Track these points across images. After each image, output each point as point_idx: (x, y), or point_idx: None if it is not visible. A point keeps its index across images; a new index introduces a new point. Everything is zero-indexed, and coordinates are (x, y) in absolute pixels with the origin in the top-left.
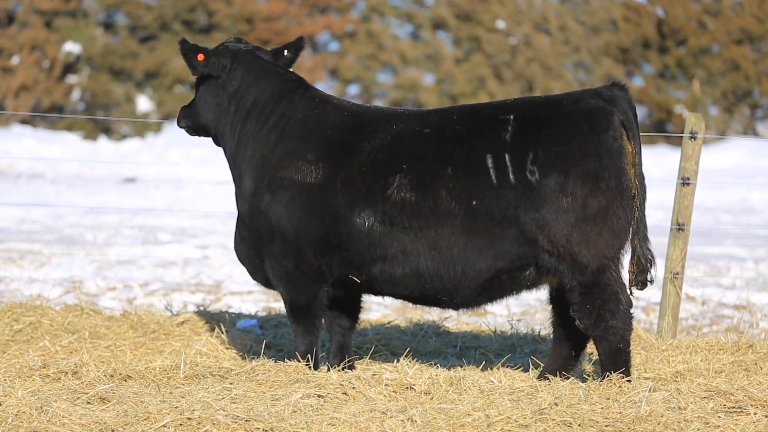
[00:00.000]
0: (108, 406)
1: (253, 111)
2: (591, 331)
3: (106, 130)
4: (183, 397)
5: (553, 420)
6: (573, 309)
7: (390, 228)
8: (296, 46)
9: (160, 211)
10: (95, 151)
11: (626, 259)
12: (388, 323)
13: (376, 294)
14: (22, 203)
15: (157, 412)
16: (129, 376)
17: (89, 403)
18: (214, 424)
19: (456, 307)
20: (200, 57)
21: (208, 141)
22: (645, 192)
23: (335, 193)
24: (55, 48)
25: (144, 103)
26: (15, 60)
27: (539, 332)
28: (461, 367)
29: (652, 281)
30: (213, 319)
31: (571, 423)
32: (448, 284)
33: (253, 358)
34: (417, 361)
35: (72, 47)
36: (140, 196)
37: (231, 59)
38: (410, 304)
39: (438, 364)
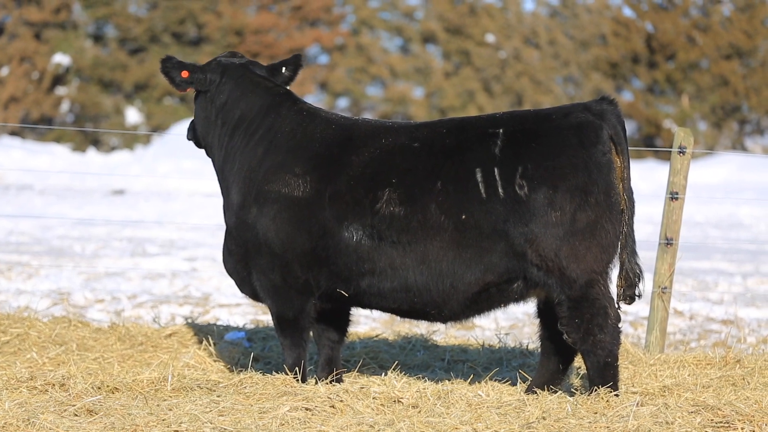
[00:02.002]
0: (95, 419)
1: (241, 125)
2: (579, 345)
3: (95, 141)
4: (170, 410)
5: None
6: (561, 323)
7: (378, 242)
8: (294, 63)
9: (149, 223)
10: (84, 163)
11: (614, 274)
12: (376, 336)
13: (364, 307)
14: (11, 214)
15: (144, 425)
16: (116, 389)
17: (76, 415)
18: None
19: (444, 320)
20: (184, 74)
21: (198, 153)
22: (633, 206)
23: (323, 206)
24: (45, 59)
25: (133, 115)
26: (4, 71)
27: (527, 346)
28: (449, 380)
29: (640, 296)
30: (201, 331)
31: None
32: (436, 298)
33: (241, 371)
34: (405, 374)
35: (61, 59)
36: (129, 208)
37: (220, 74)
38: (398, 318)
39: (426, 378)
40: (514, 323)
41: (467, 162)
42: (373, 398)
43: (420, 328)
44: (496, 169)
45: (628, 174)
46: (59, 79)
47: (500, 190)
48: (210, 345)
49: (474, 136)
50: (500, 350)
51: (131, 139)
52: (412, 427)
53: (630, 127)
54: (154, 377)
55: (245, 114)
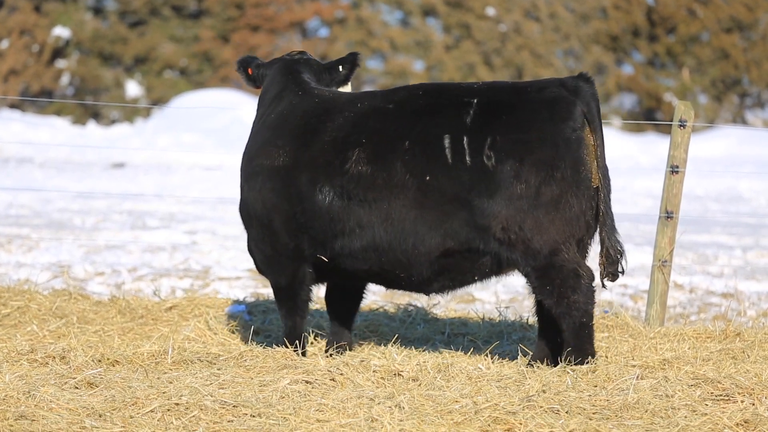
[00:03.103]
0: (95, 391)
1: (263, 112)
2: (555, 309)
3: (95, 115)
4: (171, 383)
5: (541, 407)
6: (534, 292)
7: (348, 202)
8: (351, 62)
9: (149, 196)
10: (84, 136)
11: (596, 251)
12: (377, 309)
13: (344, 276)
14: (10, 187)
15: (144, 398)
16: (117, 361)
17: (77, 387)
18: (201, 409)
19: (418, 288)
20: (250, 71)
21: (198, 126)
22: (609, 184)
23: (299, 172)
24: (45, 32)
25: (133, 88)
26: (4, 44)
27: (527, 319)
28: (449, 353)
29: (623, 272)
30: (201, 304)
31: (558, 410)
32: (401, 257)
33: (241, 344)
34: (405, 347)
35: (61, 32)
36: (129, 181)
37: (269, 68)
38: (398, 291)
39: (426, 351)
40: (515, 296)
41: (437, 126)
42: (374, 371)
43: (420, 301)
44: (465, 138)
45: (602, 152)
46: (59, 52)
47: (467, 158)
48: (210, 318)
49: (448, 102)
50: (500, 323)
51: (131, 112)
52: (412, 400)
53: (630, 100)
54: (154, 350)
55: (265, 101)
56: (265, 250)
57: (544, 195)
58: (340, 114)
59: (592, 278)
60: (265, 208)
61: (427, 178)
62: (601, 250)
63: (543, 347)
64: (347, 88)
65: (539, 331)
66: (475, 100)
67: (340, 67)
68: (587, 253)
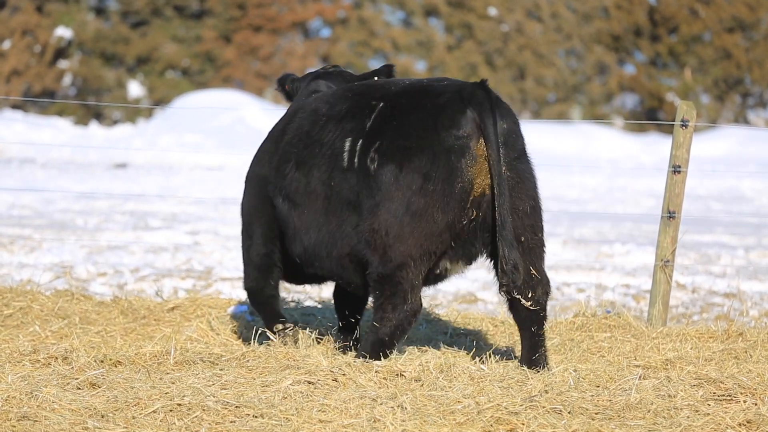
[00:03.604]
0: (98, 392)
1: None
2: (373, 316)
3: (98, 115)
4: (173, 383)
5: (543, 407)
6: (370, 291)
7: (288, 206)
8: (386, 74)
9: (151, 196)
10: (86, 137)
11: (492, 263)
12: None
13: (300, 280)
14: (13, 188)
15: (147, 398)
16: (119, 362)
17: (79, 388)
18: (204, 410)
19: (359, 291)
20: (287, 87)
21: (200, 127)
22: (505, 195)
23: (270, 178)
24: (47, 33)
25: (135, 89)
26: (6, 45)
27: None
28: (452, 353)
29: (515, 286)
30: (204, 305)
31: (561, 410)
32: (328, 265)
33: (244, 345)
34: (407, 347)
35: (64, 32)
36: (131, 181)
37: (301, 82)
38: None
39: (428, 351)
40: None
41: (344, 131)
42: (376, 372)
43: (422, 301)
44: (360, 142)
45: (498, 161)
46: (61, 52)
47: (356, 161)
48: (212, 319)
49: (360, 105)
50: (503, 323)
51: (133, 113)
52: (414, 400)
53: (632, 100)
54: (156, 351)
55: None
56: (244, 251)
57: (413, 205)
58: (299, 116)
59: (415, 312)
60: (249, 213)
61: (332, 184)
62: (497, 263)
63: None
64: None
65: (519, 332)
66: (381, 104)
67: (375, 78)
68: (472, 263)
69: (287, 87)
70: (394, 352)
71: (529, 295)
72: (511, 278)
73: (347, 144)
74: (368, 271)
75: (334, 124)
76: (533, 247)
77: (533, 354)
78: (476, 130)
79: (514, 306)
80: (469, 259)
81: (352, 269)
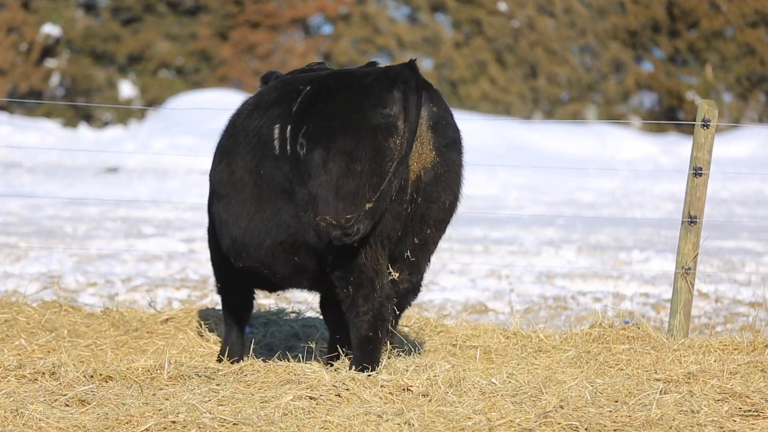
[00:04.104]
0: (87, 409)
1: None
2: (349, 320)
3: (87, 117)
4: (167, 399)
5: (559, 424)
6: (336, 290)
7: (214, 199)
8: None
9: (144, 202)
10: (75, 139)
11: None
12: None
13: (243, 280)
14: None
15: (139, 415)
16: (110, 377)
17: (68, 405)
18: (200, 427)
19: (290, 286)
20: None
21: (195, 129)
22: (401, 175)
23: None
24: (33, 30)
25: (127, 89)
26: None
27: (543, 330)
28: (461, 367)
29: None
30: (199, 316)
31: (577, 427)
32: (257, 256)
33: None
34: (414, 360)
35: (51, 29)
36: (123, 186)
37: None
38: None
39: (437, 365)
40: (529, 306)
41: (271, 117)
42: (381, 386)
43: (430, 312)
44: (288, 126)
45: (411, 136)
46: (49, 50)
47: (288, 147)
48: (208, 331)
49: (289, 91)
50: (515, 335)
51: (125, 114)
52: (422, 416)
53: (650, 99)
54: (149, 365)
55: None
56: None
57: (343, 187)
58: (230, 114)
59: (390, 294)
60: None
61: (261, 172)
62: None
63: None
64: None
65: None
66: (308, 88)
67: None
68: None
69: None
70: (387, 347)
71: (399, 287)
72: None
73: (276, 131)
74: (328, 270)
75: (260, 112)
76: (427, 242)
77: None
78: (403, 110)
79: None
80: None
81: (283, 258)
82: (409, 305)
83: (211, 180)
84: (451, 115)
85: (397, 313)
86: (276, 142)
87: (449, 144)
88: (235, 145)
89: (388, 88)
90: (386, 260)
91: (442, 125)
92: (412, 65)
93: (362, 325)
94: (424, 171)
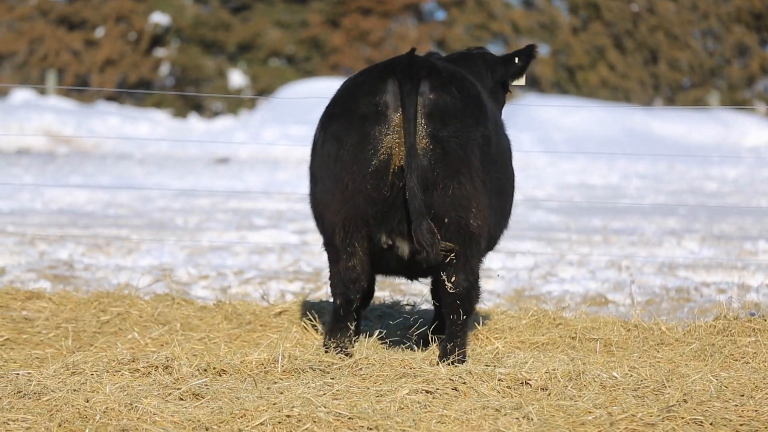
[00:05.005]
0: (201, 403)
1: None
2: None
3: (197, 107)
4: (281, 393)
5: (682, 418)
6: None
7: None
8: (527, 54)
9: (256, 193)
10: (185, 130)
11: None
12: (501, 313)
13: None
14: (109, 186)
15: (253, 409)
16: (223, 371)
17: (181, 399)
18: (314, 422)
19: None
20: None
21: (306, 118)
22: (416, 166)
23: None
24: (142, 19)
25: (237, 78)
26: (99, 32)
27: (665, 323)
28: (581, 360)
29: (428, 258)
30: (313, 309)
31: (702, 421)
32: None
33: (356, 351)
34: (532, 353)
35: (160, 18)
36: (234, 177)
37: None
38: (526, 293)
39: (556, 358)
40: (651, 298)
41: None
42: (499, 380)
43: (548, 304)
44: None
45: (413, 132)
46: (158, 40)
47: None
48: (322, 324)
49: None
50: (636, 327)
51: (235, 104)
52: (541, 410)
53: None
54: (263, 358)
55: None
56: None
57: (331, 170)
58: None
59: (355, 278)
60: None
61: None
62: (409, 235)
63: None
64: (521, 81)
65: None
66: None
67: (516, 59)
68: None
69: None
70: (343, 325)
71: (452, 280)
72: (427, 252)
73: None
74: None
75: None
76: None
77: (447, 343)
78: (396, 99)
79: (437, 289)
80: (404, 236)
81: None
82: (465, 288)
83: None
84: (463, 99)
85: (458, 293)
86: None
87: (453, 132)
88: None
89: (383, 78)
90: (362, 245)
91: (439, 112)
92: (410, 54)
93: (333, 299)
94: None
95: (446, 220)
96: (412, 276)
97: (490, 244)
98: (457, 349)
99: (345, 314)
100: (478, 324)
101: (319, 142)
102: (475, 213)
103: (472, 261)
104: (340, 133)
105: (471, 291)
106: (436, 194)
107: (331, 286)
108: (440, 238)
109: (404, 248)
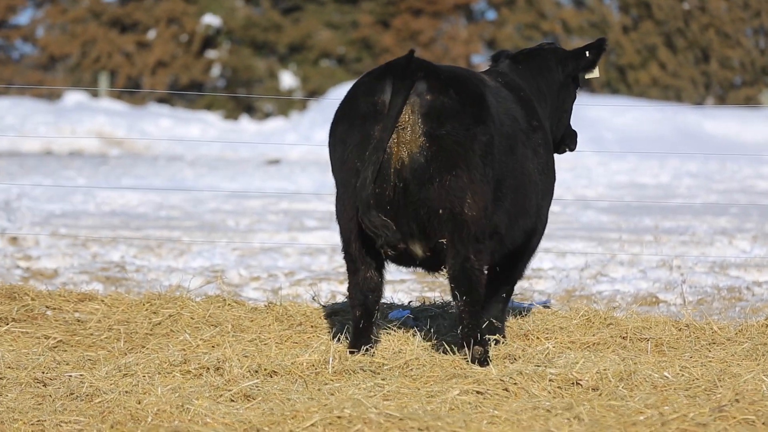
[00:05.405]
0: (253, 404)
1: None
2: None
3: (248, 108)
4: (332, 394)
5: (734, 418)
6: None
7: None
8: (598, 47)
9: (307, 195)
10: (237, 131)
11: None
12: (552, 313)
13: None
14: (160, 187)
15: (304, 410)
16: (274, 372)
17: (233, 400)
18: (365, 422)
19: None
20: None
21: None
22: (376, 161)
23: None
24: (194, 21)
25: (288, 79)
26: (151, 34)
27: (717, 322)
28: (632, 360)
29: (387, 247)
30: None
31: (754, 421)
32: None
33: (407, 352)
34: (583, 353)
35: (211, 20)
36: (285, 178)
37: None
38: (576, 293)
39: (606, 358)
40: (702, 298)
41: None
42: (550, 380)
43: (599, 304)
44: None
45: (389, 128)
46: (209, 41)
47: None
48: (373, 325)
49: None
50: (687, 327)
51: (286, 105)
52: (592, 411)
53: None
54: (314, 359)
55: None
56: None
57: (340, 174)
58: None
59: (373, 288)
60: None
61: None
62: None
63: None
64: (595, 73)
65: None
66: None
67: (587, 53)
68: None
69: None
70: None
71: (446, 264)
72: (381, 239)
73: None
74: None
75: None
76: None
77: (459, 329)
78: (386, 99)
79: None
80: (415, 238)
81: None
82: (460, 271)
83: None
84: (466, 102)
85: (456, 278)
86: None
87: (450, 130)
88: None
89: (381, 78)
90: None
91: (436, 110)
92: (407, 56)
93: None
94: (410, 156)
95: (440, 211)
96: (430, 270)
97: (503, 242)
98: (470, 334)
99: (366, 326)
100: (529, 324)
101: (331, 148)
102: (471, 204)
103: (465, 247)
104: (345, 135)
105: (462, 274)
106: (433, 188)
107: (349, 297)
108: (433, 229)
109: (417, 250)
